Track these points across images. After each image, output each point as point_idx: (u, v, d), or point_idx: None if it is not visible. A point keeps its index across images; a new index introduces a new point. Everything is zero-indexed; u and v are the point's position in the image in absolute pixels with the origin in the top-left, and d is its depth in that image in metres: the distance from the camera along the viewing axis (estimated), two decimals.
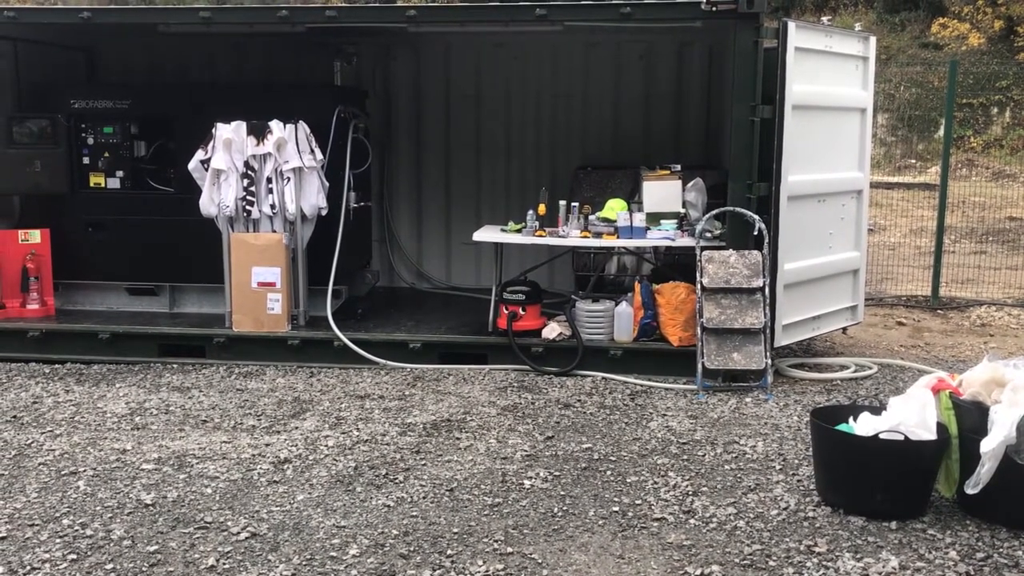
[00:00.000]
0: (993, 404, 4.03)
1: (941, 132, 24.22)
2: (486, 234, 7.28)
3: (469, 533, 4.08)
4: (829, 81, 6.86)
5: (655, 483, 4.65)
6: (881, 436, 4.11)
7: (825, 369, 7.03)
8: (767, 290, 6.42)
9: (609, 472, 4.81)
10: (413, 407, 5.93)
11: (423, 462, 4.95)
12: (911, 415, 4.20)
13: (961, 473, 4.13)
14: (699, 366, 6.33)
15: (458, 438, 5.33)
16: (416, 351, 6.93)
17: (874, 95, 7.52)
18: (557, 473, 4.79)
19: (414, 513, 4.29)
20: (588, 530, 4.12)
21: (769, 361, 6.33)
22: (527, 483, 4.65)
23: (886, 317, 9.22)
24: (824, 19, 7.26)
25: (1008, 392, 4.01)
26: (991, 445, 3.89)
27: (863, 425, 4.33)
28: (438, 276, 9.34)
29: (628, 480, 4.70)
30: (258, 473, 4.79)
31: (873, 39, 7.33)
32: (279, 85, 8.39)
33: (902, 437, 4.08)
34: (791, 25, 6.34)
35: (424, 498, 4.47)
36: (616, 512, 4.30)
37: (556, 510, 4.33)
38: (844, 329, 7.66)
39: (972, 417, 4.09)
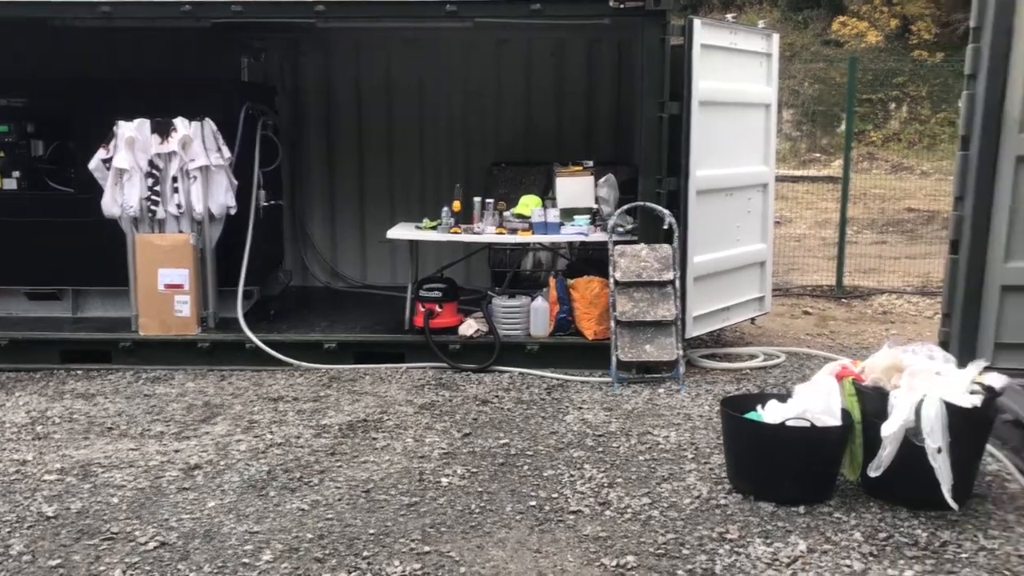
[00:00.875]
0: (893, 389, 4.19)
1: (843, 127, 25.07)
2: (400, 232, 7.22)
3: (386, 534, 4.04)
4: (734, 77, 7.02)
5: (571, 476, 4.69)
6: (788, 423, 4.23)
7: (735, 359, 7.20)
8: (678, 283, 6.53)
9: (526, 467, 4.83)
10: (328, 408, 5.85)
11: (338, 464, 4.89)
12: (816, 402, 4.33)
13: (864, 457, 4.28)
14: (613, 359, 6.41)
15: (374, 438, 5.28)
16: (331, 351, 6.84)
17: (779, 91, 7.73)
18: (475, 470, 4.79)
19: (329, 516, 4.23)
20: (505, 525, 4.13)
21: (681, 352, 6.45)
22: (444, 481, 4.63)
23: (793, 307, 9.50)
24: (729, 16, 7.42)
25: (906, 377, 4.17)
26: (891, 429, 4.04)
27: (771, 413, 4.45)
28: (353, 275, 9.23)
29: (545, 474, 4.73)
30: (167, 480, 4.66)
31: (776, 36, 7.53)
32: (184, 82, 8.15)
33: (808, 424, 4.21)
34: (697, 22, 6.46)
35: (340, 500, 4.42)
36: (533, 506, 4.32)
37: (474, 507, 4.33)
38: (753, 319, 7.85)
39: (874, 402, 4.24)
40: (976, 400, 4.04)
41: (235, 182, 7.12)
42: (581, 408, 5.85)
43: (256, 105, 7.57)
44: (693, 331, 6.87)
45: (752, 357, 7.21)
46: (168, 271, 6.86)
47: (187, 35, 7.94)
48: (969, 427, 4.11)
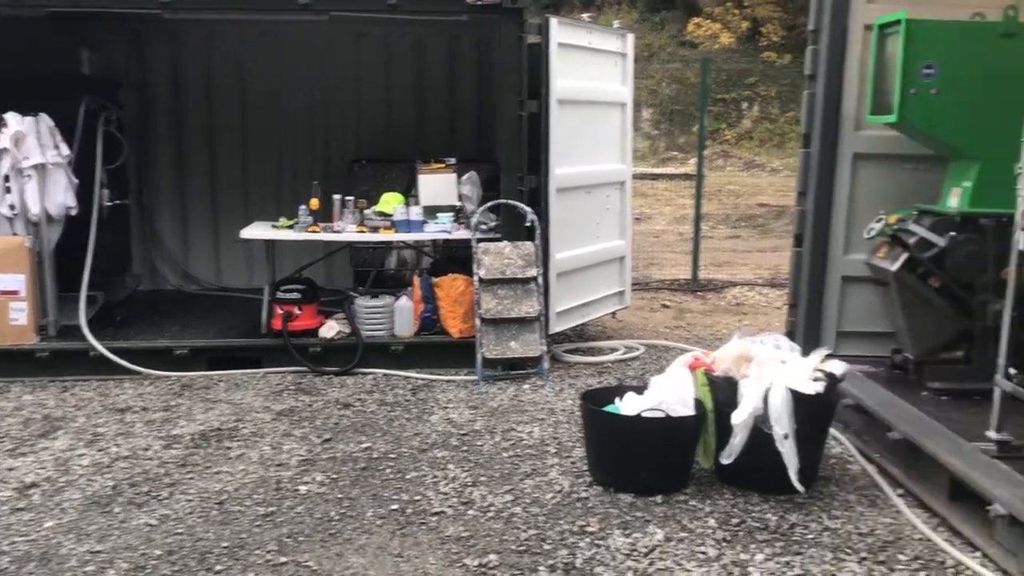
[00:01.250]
0: (742, 379, 4.33)
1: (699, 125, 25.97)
2: (256, 231, 6.99)
3: (240, 546, 3.88)
4: (591, 76, 7.12)
5: (435, 477, 4.64)
6: (644, 415, 4.31)
7: (597, 353, 7.32)
8: (541, 279, 6.58)
9: (389, 470, 4.75)
10: (180, 418, 5.58)
11: (190, 475, 4.67)
12: (671, 393, 4.44)
13: (717, 445, 4.41)
14: (479, 356, 6.40)
15: (229, 447, 5.08)
16: (183, 358, 6.54)
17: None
18: (335, 476, 4.67)
19: (179, 530, 4.03)
20: (366, 531, 4.04)
21: (545, 348, 6.50)
22: (303, 489, 4.50)
23: (652, 300, 9.75)
24: (586, 16, 7.53)
25: (754, 367, 4.33)
26: (741, 417, 4.18)
27: (628, 405, 4.53)
28: (206, 277, 8.88)
29: (408, 476, 4.66)
30: None
31: (631, 36, 7.69)
32: (17, 75, 7.61)
33: (663, 414, 4.30)
34: (553, 21, 6.52)
35: (191, 513, 4.22)
36: (395, 510, 4.25)
37: (333, 514, 4.22)
38: (614, 314, 8.01)
39: (725, 392, 4.38)
40: (819, 387, 4.23)
41: (75, 181, 6.71)
42: (446, 408, 5.81)
43: (97, 99, 7.15)
44: (556, 327, 6.94)
45: (613, 351, 7.35)
46: (2, 276, 6.40)
47: (21, 26, 7.42)
48: (813, 413, 4.30)
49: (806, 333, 5.74)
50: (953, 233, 4.93)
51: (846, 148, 5.65)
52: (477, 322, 6.47)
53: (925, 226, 5.02)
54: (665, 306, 9.52)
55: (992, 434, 4.05)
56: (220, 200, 8.83)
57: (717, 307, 9.55)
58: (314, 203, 6.81)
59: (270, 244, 6.99)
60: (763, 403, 4.19)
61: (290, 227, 6.88)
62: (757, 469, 4.31)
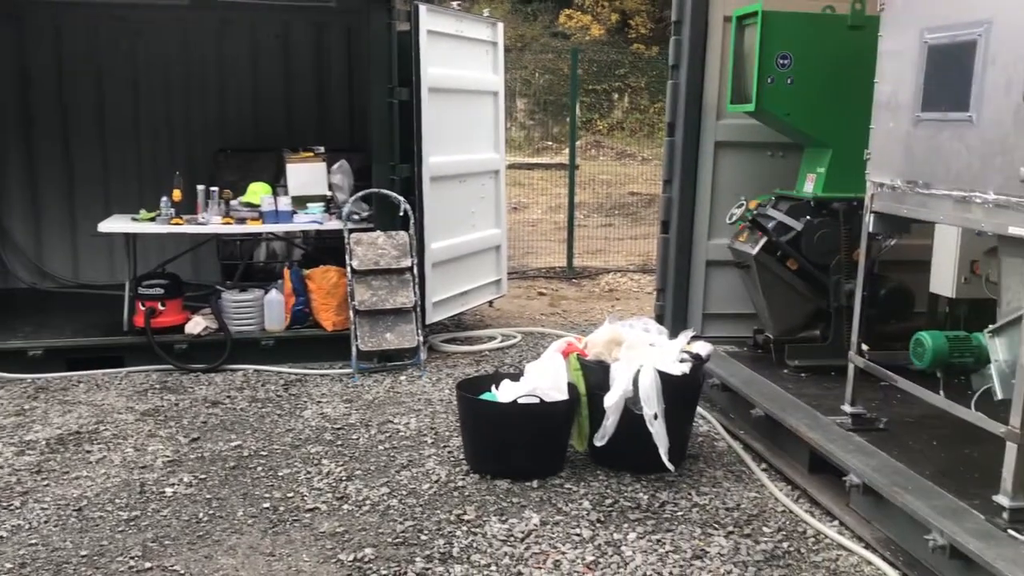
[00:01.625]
0: (613, 362, 4.41)
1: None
2: (115, 224, 6.66)
3: (100, 554, 3.70)
4: (462, 65, 7.10)
5: (308, 473, 4.55)
6: (519, 401, 4.34)
7: (475, 341, 7.33)
8: (416, 269, 6.53)
9: (260, 468, 4.62)
10: (34, 422, 5.28)
11: (45, 482, 4.42)
12: (545, 378, 4.48)
13: (591, 427, 4.48)
14: (354, 349, 6.30)
15: (89, 451, 4.83)
16: (38, 359, 6.18)
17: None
18: (203, 476, 4.50)
19: (33, 541, 3.81)
20: (236, 531, 3.92)
21: (421, 339, 6.46)
22: (169, 491, 4.32)
23: (528, 288, 9.84)
24: (454, 4, 7.50)
25: (624, 350, 4.42)
26: (612, 399, 4.26)
27: (504, 392, 4.55)
28: (63, 273, 8.41)
29: (280, 474, 4.54)
30: None
31: (501, 25, 7.70)
32: None
33: (538, 400, 4.34)
34: (422, 8, 6.45)
35: (46, 522, 3.99)
36: (267, 508, 4.14)
37: (202, 515, 4.07)
38: (491, 302, 8.04)
39: (597, 375, 4.45)
40: (685, 368, 4.36)
41: None
42: (320, 402, 5.70)
43: None
44: (433, 317, 6.90)
45: (491, 339, 7.37)
46: None
47: None
48: (681, 393, 4.42)
49: (674, 316, 5.91)
50: (808, 217, 5.17)
51: (708, 136, 5.83)
52: (351, 314, 6.37)
53: (782, 211, 5.24)
54: (541, 294, 9.62)
55: (847, 407, 4.27)
56: (77, 193, 8.37)
57: (591, 294, 9.73)
58: (176, 194, 6.55)
59: (131, 238, 6.67)
60: (633, 385, 4.28)
61: (151, 219, 6.60)
62: (629, 450, 4.40)
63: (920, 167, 3.69)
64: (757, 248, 5.19)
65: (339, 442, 4.99)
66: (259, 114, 8.56)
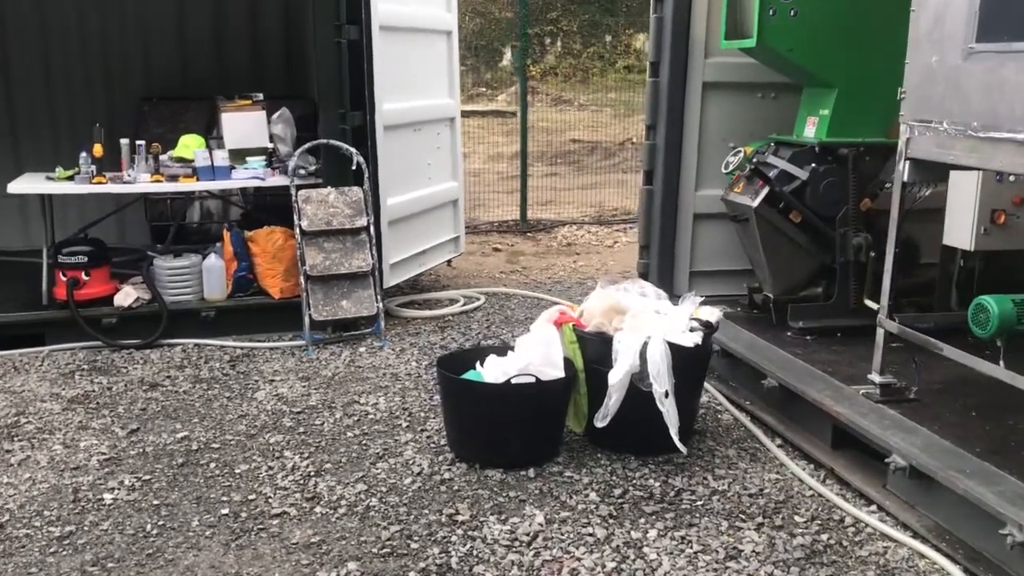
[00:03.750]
0: (615, 333, 3.92)
1: (505, 61, 25.61)
2: (27, 184, 5.88)
3: None
4: (414, 0, 6.43)
5: (270, 468, 3.97)
6: (513, 381, 3.82)
7: (435, 305, 6.78)
8: (372, 229, 5.91)
9: (213, 464, 4.02)
10: None
11: None
12: (536, 353, 3.97)
13: (590, 407, 4.00)
14: (306, 319, 5.69)
15: (9, 451, 4.16)
16: None
17: None
18: (147, 477, 3.89)
19: None
20: (193, 546, 3.35)
21: (380, 305, 5.88)
22: (108, 497, 3.71)
23: (483, 244, 9.29)
24: None
25: (629, 319, 3.93)
26: (618, 376, 3.77)
27: (490, 370, 4.03)
28: None
29: (237, 471, 3.96)
30: None
31: None
32: None
33: (533, 379, 3.83)
34: None
35: None
36: (227, 515, 3.56)
37: (149, 527, 3.48)
38: (449, 261, 7.48)
39: (596, 348, 3.96)
40: (697, 338, 3.89)
41: None
42: (273, 381, 5.10)
43: None
44: (391, 280, 6.31)
45: (453, 302, 6.83)
46: None
47: None
48: (691, 365, 3.97)
49: (660, 274, 5.45)
50: (813, 164, 4.72)
51: (696, 77, 5.32)
52: (302, 280, 5.74)
53: (784, 158, 4.78)
54: (497, 249, 9.09)
55: (875, 377, 3.86)
56: None
57: (549, 248, 9.23)
58: (97, 149, 5.77)
59: (46, 199, 5.89)
60: (640, 359, 3.79)
61: (69, 178, 5.83)
62: (633, 430, 3.94)
63: (974, 107, 3.23)
64: (758, 200, 4.73)
65: (301, 429, 4.41)
66: (187, 58, 7.75)
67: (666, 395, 3.76)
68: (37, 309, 5.76)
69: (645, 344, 3.80)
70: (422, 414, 4.57)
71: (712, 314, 4.08)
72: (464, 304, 6.73)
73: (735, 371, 4.74)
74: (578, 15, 25.25)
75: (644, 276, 5.54)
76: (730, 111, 5.39)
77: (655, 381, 3.76)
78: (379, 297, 5.88)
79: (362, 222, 5.88)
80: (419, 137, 6.69)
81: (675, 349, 3.81)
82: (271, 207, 6.74)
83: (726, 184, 5.21)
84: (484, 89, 23.41)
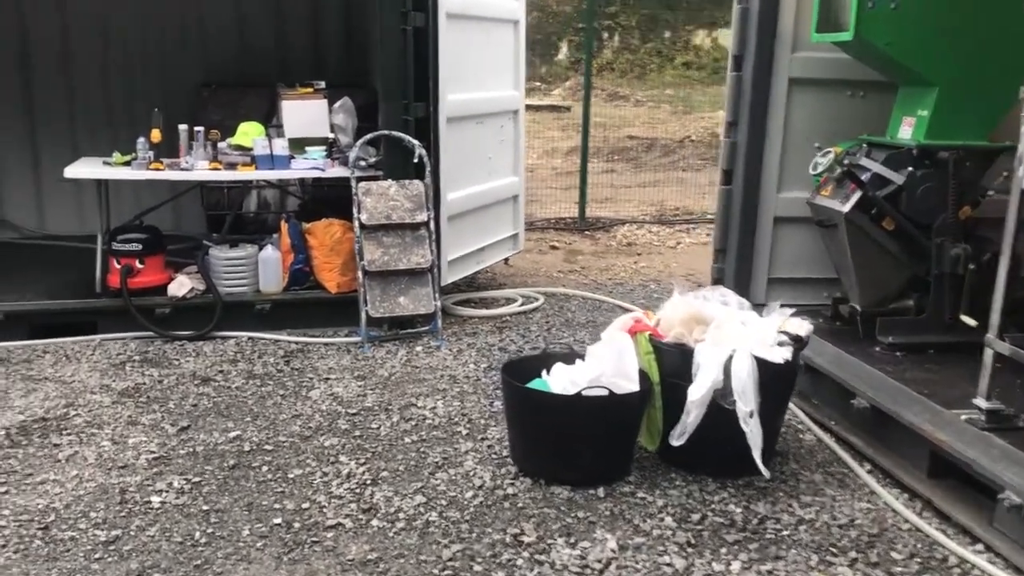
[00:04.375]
0: (696, 344, 3.65)
1: (561, 55, 25.27)
2: (83, 169, 5.77)
3: None
4: None
5: (324, 475, 3.77)
6: (585, 394, 3.56)
7: (492, 304, 6.55)
8: (432, 224, 5.70)
9: (265, 468, 3.84)
10: None
11: (4, 489, 3.61)
12: (609, 363, 3.71)
13: (664, 423, 3.73)
14: (363, 315, 5.50)
15: (57, 445, 4.02)
16: None
17: None
18: (197, 479, 3.72)
19: None
20: (243, 558, 3.15)
21: (438, 304, 5.66)
22: (156, 500, 3.53)
23: (539, 241, 9.03)
24: None
25: (712, 330, 3.64)
26: (699, 392, 3.50)
27: (557, 378, 3.78)
28: (26, 222, 7.50)
29: (291, 475, 3.77)
30: None
31: None
32: None
33: (607, 392, 3.57)
34: None
35: (3, 546, 3.20)
36: (279, 525, 3.37)
37: (198, 534, 3.30)
38: (507, 259, 7.25)
39: (674, 361, 3.69)
40: (787, 353, 3.60)
41: None
42: (328, 379, 4.91)
43: None
44: (449, 278, 6.10)
45: (510, 301, 6.59)
46: None
47: None
48: (777, 382, 3.68)
49: (736, 281, 5.14)
50: (911, 168, 4.38)
51: (781, 72, 5.00)
52: (359, 275, 5.55)
53: (878, 161, 4.44)
54: (554, 247, 8.83)
55: (981, 402, 3.53)
56: (41, 133, 7.42)
57: (608, 248, 8.94)
58: (155, 135, 5.64)
59: (103, 185, 5.78)
60: (723, 374, 3.51)
61: (126, 163, 5.70)
62: (711, 450, 3.66)
63: None
64: (848, 205, 4.41)
65: (357, 432, 4.21)
66: (246, 44, 7.61)
67: (751, 415, 3.47)
68: (90, 297, 5.65)
69: (730, 358, 3.52)
70: (482, 421, 4.34)
71: (801, 327, 3.77)
72: (522, 304, 6.49)
73: (818, 387, 4.43)
74: (637, 10, 24.85)
75: (719, 282, 5.25)
76: (816, 109, 5.06)
77: (739, 399, 3.48)
78: (437, 295, 5.67)
79: (422, 217, 5.67)
80: (482, 130, 6.46)
81: (762, 364, 3.52)
82: (328, 198, 6.56)
83: (811, 186, 4.90)
84: (539, 83, 23.13)
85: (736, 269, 5.16)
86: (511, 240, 7.13)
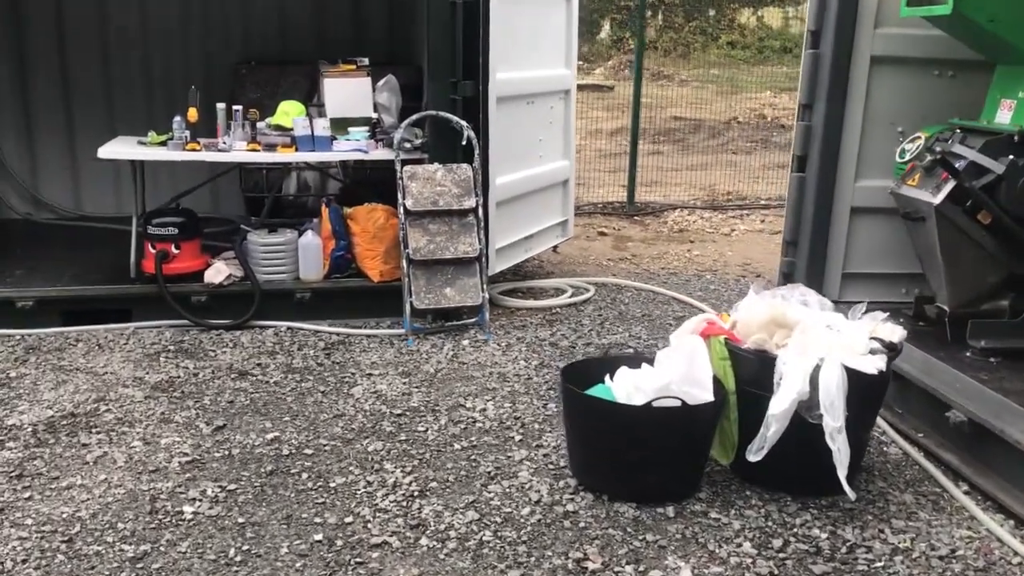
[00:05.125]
0: (777, 350, 3.30)
1: (603, 34, 24.72)
2: (118, 148, 5.53)
3: None
4: None
5: (369, 483, 3.49)
6: (657, 404, 3.23)
7: (540, 294, 6.23)
8: (480, 211, 5.38)
9: (305, 475, 3.57)
10: (19, 397, 4.24)
11: (27, 494, 3.39)
12: (678, 369, 3.38)
13: (740, 435, 3.40)
14: (407, 306, 5.21)
15: (86, 444, 3.79)
16: (28, 311, 5.15)
17: None
18: (232, 486, 3.46)
19: None
20: None
21: (486, 295, 5.36)
22: (188, 510, 3.28)
23: (586, 227, 8.68)
24: None
25: (797, 336, 3.30)
26: (783, 405, 3.16)
27: (621, 384, 3.46)
28: (63, 203, 7.30)
29: (332, 484, 3.50)
30: None
31: None
32: None
33: (679, 403, 3.24)
34: None
35: (24, 560, 2.96)
36: (320, 542, 3.09)
37: (233, 551, 3.03)
38: (555, 247, 6.92)
39: (752, 368, 3.35)
40: (881, 363, 3.24)
41: None
42: (371, 375, 4.63)
43: None
44: (496, 267, 5.78)
45: (559, 291, 6.27)
46: None
47: None
48: (868, 394, 3.33)
49: (808, 276, 4.77)
50: (1012, 156, 3.97)
51: (863, 49, 4.60)
52: (403, 264, 5.26)
53: (975, 147, 4.04)
54: (602, 233, 8.48)
55: None
56: (76, 111, 7.21)
57: (659, 234, 8.57)
58: (192, 114, 5.38)
59: (138, 165, 5.54)
60: (809, 386, 3.17)
61: (163, 143, 5.45)
62: (791, 466, 3.33)
63: None
64: (941, 196, 4.02)
65: (402, 436, 3.92)
66: (285, 20, 7.32)
67: (839, 431, 3.13)
68: (124, 282, 5.42)
69: (817, 367, 3.17)
70: (536, 426, 4.04)
71: (894, 333, 3.41)
72: (572, 295, 6.17)
73: (903, 395, 4.06)
74: None
75: (789, 276, 4.89)
76: (900, 90, 4.66)
77: (827, 413, 3.13)
78: (485, 286, 5.37)
79: (470, 203, 5.36)
80: (532, 111, 6.13)
81: (852, 375, 3.17)
82: (370, 181, 6.28)
83: (890, 174, 4.52)
84: (581, 62, 22.64)
85: (808, 263, 4.79)
86: (560, 227, 6.80)
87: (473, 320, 5.37)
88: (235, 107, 5.51)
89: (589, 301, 6.09)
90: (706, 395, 3.31)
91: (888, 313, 3.48)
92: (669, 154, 14.28)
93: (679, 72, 22.71)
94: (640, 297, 6.26)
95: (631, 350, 4.35)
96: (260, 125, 5.52)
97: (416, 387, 4.48)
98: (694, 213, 9.46)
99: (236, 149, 5.41)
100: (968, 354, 4.09)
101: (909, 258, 4.73)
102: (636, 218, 9.24)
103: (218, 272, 5.42)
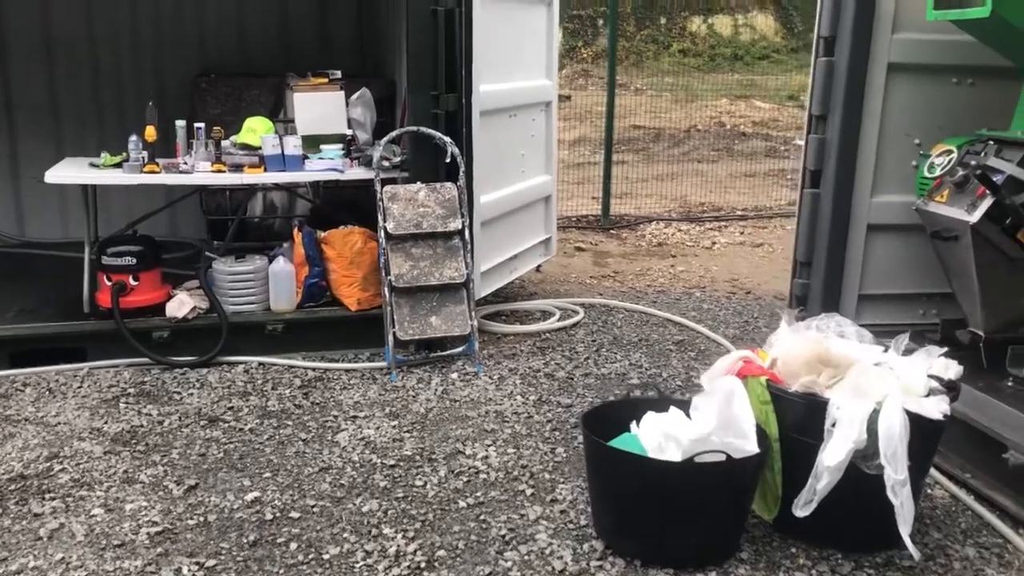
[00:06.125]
0: (826, 393, 2.96)
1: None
2: (69, 171, 5.03)
3: None
4: None
5: (368, 554, 3.08)
6: (699, 460, 2.87)
7: (525, 317, 5.86)
8: (467, 233, 5.00)
9: (294, 544, 3.14)
10: None
11: None
12: (715, 416, 3.02)
13: (784, 487, 3.05)
14: (389, 337, 4.80)
15: (38, 514, 3.31)
16: None
17: None
18: (211, 562, 3.02)
19: None
20: None
21: (474, 323, 4.97)
22: None
23: (563, 242, 8.32)
24: None
25: (853, 377, 2.96)
26: (838, 456, 2.82)
27: (650, 433, 3.09)
28: (5, 228, 6.74)
29: (326, 555, 3.07)
30: None
31: None
32: None
33: (724, 457, 2.88)
34: None
35: None
36: None
37: None
38: (538, 267, 6.55)
39: (799, 412, 3.01)
40: (944, 406, 2.92)
41: None
42: (356, 417, 4.21)
43: None
44: (482, 291, 5.40)
45: (546, 314, 5.90)
46: None
47: None
48: (928, 440, 3.01)
49: (824, 299, 4.46)
50: None
51: (880, 56, 4.30)
52: (385, 291, 4.85)
53: (1013, 160, 3.76)
54: (580, 249, 8.15)
55: None
56: (19, 127, 6.67)
57: (639, 249, 8.25)
58: (149, 132, 4.89)
59: (90, 190, 5.04)
60: (866, 433, 2.84)
61: (117, 165, 4.97)
62: (842, 520, 2.99)
63: None
64: (978, 213, 3.72)
65: (399, 492, 3.51)
66: (246, 29, 6.86)
67: (902, 483, 2.80)
68: (77, 318, 4.93)
69: (875, 412, 2.84)
70: (546, 475, 3.65)
71: (951, 370, 3.10)
72: (561, 319, 5.80)
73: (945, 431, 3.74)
74: None
75: (801, 299, 4.58)
76: (917, 99, 4.38)
77: (888, 464, 2.80)
78: (473, 313, 4.98)
79: (456, 224, 4.97)
80: (514, 124, 5.77)
81: (915, 420, 2.85)
82: (342, 202, 5.85)
83: (907, 189, 4.24)
84: None
85: (824, 284, 4.48)
86: (543, 245, 6.45)
87: (460, 350, 4.98)
88: (196, 124, 5.05)
89: (579, 324, 5.74)
90: (749, 445, 2.95)
91: (944, 350, 3.16)
92: (633, 164, 14.01)
93: (633, 80, 22.54)
94: (632, 319, 5.91)
95: (653, 392, 3.96)
96: (225, 143, 5.07)
97: (407, 431, 4.07)
98: (671, 226, 9.18)
99: (200, 170, 4.95)
100: (1009, 383, 3.79)
101: (924, 278, 4.46)
102: (612, 232, 8.92)
103: (181, 304, 4.95)
